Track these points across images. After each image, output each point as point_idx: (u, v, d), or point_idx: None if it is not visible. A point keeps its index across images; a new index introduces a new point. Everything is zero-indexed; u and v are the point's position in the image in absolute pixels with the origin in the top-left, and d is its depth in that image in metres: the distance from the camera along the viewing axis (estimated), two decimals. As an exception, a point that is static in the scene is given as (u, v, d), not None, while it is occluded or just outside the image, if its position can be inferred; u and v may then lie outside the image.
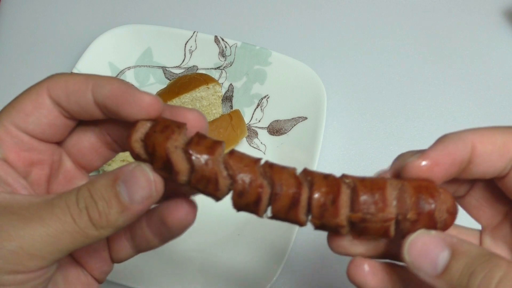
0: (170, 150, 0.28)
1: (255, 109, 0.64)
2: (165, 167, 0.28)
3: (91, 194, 0.28)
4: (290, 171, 0.28)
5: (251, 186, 0.28)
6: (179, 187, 0.30)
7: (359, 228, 0.28)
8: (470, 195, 0.32)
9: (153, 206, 0.32)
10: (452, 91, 0.65)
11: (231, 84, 0.65)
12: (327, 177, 0.28)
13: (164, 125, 0.28)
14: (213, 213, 0.60)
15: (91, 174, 0.35)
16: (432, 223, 0.27)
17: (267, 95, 0.64)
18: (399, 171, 0.29)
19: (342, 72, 0.67)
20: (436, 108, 0.64)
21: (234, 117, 0.60)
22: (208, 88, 0.60)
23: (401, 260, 0.27)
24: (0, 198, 0.28)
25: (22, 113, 0.30)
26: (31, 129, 0.30)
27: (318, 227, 0.28)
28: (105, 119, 0.31)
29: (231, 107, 0.65)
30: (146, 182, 0.28)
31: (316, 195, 0.27)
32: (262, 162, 0.29)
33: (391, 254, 0.31)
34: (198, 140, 0.28)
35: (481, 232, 0.32)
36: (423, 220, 0.27)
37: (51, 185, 0.33)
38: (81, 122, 0.33)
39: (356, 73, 0.67)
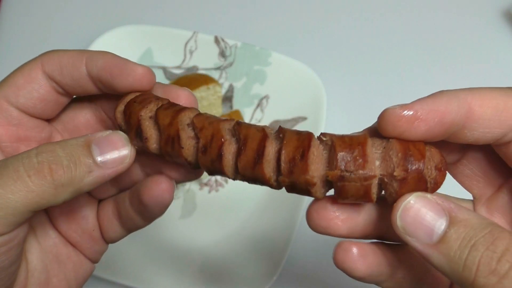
0: (142, 117, 0.28)
1: (255, 109, 0.64)
2: (137, 135, 0.29)
3: (55, 148, 0.27)
4: (258, 127, 0.27)
5: (213, 140, 0.27)
6: (160, 165, 0.31)
7: (337, 189, 0.25)
8: (462, 163, 0.29)
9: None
10: (452, 91, 0.65)
11: (231, 84, 0.65)
12: (299, 133, 0.26)
13: (145, 97, 0.29)
14: (213, 213, 0.60)
15: None
16: (422, 182, 0.25)
17: (267, 95, 0.64)
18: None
19: (342, 72, 0.67)
20: (436, 108, 0.64)
21: (234, 117, 0.60)
22: (208, 88, 0.60)
23: (388, 234, 0.25)
24: None
25: (14, 87, 0.30)
26: (22, 103, 0.30)
27: (289, 187, 0.26)
28: (101, 95, 0.31)
29: (231, 107, 0.65)
30: (123, 148, 0.28)
31: (285, 150, 0.25)
32: (232, 123, 0.28)
33: (377, 233, 0.29)
34: (168, 107, 0.29)
35: (474, 203, 0.29)
36: (412, 179, 0.25)
37: None
38: (77, 99, 0.33)
39: (356, 73, 0.67)
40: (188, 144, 0.28)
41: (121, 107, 0.29)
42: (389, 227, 0.25)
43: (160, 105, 0.29)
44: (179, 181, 0.32)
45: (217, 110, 0.62)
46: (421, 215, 0.24)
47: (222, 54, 0.65)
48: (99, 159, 0.27)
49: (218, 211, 0.60)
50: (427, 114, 0.25)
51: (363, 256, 0.27)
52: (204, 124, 0.27)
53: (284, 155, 0.25)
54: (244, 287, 0.54)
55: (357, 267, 0.27)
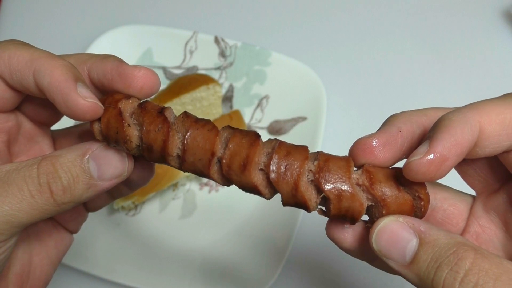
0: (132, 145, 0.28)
1: (255, 109, 0.64)
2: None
3: (55, 169, 0.27)
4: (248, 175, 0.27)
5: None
6: None
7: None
8: (467, 162, 0.29)
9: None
10: (451, 91, 0.65)
11: (231, 84, 0.65)
12: (294, 195, 0.27)
13: (115, 139, 0.28)
14: (214, 213, 0.60)
15: (52, 128, 0.35)
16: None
17: (267, 95, 0.64)
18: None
19: (342, 72, 0.67)
20: (436, 108, 0.64)
21: (234, 117, 0.60)
22: (208, 88, 0.60)
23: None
24: None
25: None
26: None
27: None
28: None
29: (231, 107, 0.65)
30: (120, 162, 0.29)
31: (283, 198, 0.27)
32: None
33: None
34: (148, 148, 0.28)
35: (474, 198, 0.30)
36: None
37: (12, 148, 0.32)
38: None
39: (356, 73, 0.67)
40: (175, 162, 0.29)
41: (97, 135, 0.29)
42: None
43: (137, 142, 0.28)
44: None
45: (217, 110, 0.62)
46: (393, 238, 0.25)
47: (222, 54, 0.65)
48: (97, 176, 0.28)
49: (218, 211, 0.60)
50: (450, 151, 0.24)
51: (352, 229, 0.29)
52: (191, 167, 0.28)
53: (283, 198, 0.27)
54: (244, 287, 0.54)
55: (345, 239, 0.29)
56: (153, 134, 0.27)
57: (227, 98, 0.65)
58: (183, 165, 0.28)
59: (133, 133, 0.28)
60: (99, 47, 0.64)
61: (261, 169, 0.27)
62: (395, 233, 0.25)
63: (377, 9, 0.70)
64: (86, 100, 0.27)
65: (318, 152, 0.27)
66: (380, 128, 0.28)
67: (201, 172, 0.28)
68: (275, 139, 0.28)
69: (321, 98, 0.60)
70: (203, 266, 0.56)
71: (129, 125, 0.28)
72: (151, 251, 0.57)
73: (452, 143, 0.24)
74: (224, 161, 0.27)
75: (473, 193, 0.30)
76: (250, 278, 0.54)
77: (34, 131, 0.33)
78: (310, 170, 0.26)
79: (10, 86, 0.29)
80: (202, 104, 0.61)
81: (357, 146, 0.27)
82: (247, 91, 0.65)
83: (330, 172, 0.26)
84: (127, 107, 0.29)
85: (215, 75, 0.65)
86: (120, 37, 0.65)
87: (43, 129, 0.33)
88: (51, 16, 0.73)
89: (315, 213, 0.29)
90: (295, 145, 0.27)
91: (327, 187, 0.26)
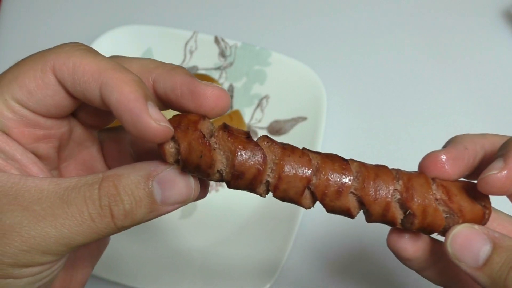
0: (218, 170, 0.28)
1: (255, 109, 0.64)
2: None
3: (118, 191, 0.26)
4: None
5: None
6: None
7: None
8: None
9: None
10: (451, 91, 0.65)
11: (231, 84, 0.66)
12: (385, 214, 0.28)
13: (197, 164, 0.27)
14: (214, 213, 0.60)
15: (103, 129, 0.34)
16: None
17: (267, 95, 0.64)
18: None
19: (342, 72, 0.67)
20: (436, 108, 0.64)
21: (234, 117, 0.60)
22: (208, 88, 0.60)
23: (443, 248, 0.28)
24: (10, 182, 0.26)
25: (25, 90, 0.27)
26: (34, 108, 0.28)
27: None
28: None
29: (231, 107, 0.65)
30: (186, 188, 0.28)
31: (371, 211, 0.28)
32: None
33: None
34: (238, 175, 0.27)
35: None
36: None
37: (61, 153, 0.31)
38: None
39: (356, 73, 0.67)
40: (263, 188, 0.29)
41: (169, 159, 0.27)
42: None
43: (219, 168, 0.27)
44: None
45: (217, 110, 0.62)
46: (467, 242, 0.28)
47: (222, 54, 0.65)
48: (160, 200, 0.27)
49: (218, 211, 0.60)
50: None
51: (414, 240, 0.31)
52: (282, 194, 0.28)
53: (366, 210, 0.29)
54: (244, 287, 0.54)
55: (407, 248, 0.30)
56: (248, 162, 0.27)
57: (227, 98, 0.65)
58: (274, 193, 0.28)
59: (217, 157, 0.27)
60: (99, 47, 0.64)
61: (351, 192, 0.28)
62: (470, 238, 0.27)
63: (377, 9, 0.70)
64: (158, 124, 0.26)
65: (396, 170, 0.29)
66: (447, 145, 0.30)
67: (290, 198, 0.28)
68: (351, 159, 0.29)
69: (321, 98, 0.60)
70: (203, 266, 0.56)
71: (214, 149, 0.27)
72: (151, 251, 0.57)
73: None
74: (319, 188, 0.28)
75: None
76: (250, 278, 0.54)
77: (84, 136, 0.32)
78: (396, 189, 0.28)
79: (70, 94, 0.28)
80: (202, 104, 0.61)
81: (429, 159, 0.29)
82: (247, 91, 0.65)
83: (414, 190, 0.28)
84: (204, 128, 0.28)
85: (215, 75, 0.65)
86: (120, 37, 0.65)
87: (92, 132, 0.33)
88: (51, 16, 0.73)
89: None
90: (376, 165, 0.29)
91: (414, 205, 0.28)
